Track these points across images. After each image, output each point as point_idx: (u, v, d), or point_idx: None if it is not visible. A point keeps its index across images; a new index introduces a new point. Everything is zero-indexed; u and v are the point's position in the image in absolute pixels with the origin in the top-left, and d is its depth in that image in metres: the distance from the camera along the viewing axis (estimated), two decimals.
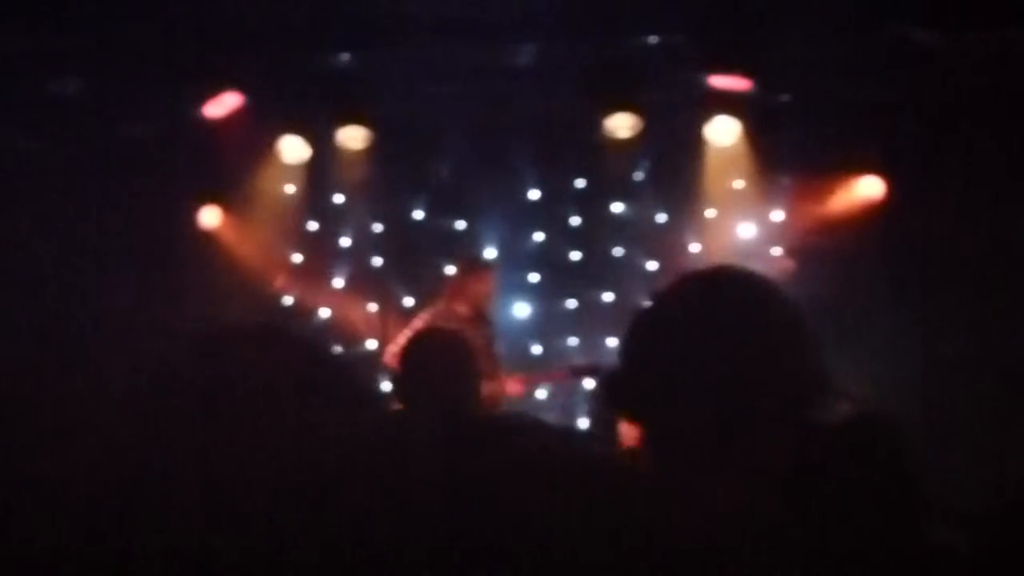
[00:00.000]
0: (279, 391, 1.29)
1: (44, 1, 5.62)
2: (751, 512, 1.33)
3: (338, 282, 7.43)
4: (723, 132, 6.92)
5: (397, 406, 3.30)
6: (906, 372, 6.01)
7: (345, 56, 6.65)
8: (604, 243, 7.45)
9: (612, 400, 1.53)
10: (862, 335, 6.04)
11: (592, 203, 7.47)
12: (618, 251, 7.45)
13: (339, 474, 1.20)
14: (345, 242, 7.48)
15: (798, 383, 1.46)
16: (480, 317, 5.88)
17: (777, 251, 7.09)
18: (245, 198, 7.24)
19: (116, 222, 6.49)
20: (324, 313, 7.35)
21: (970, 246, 6.34)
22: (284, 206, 7.36)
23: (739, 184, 7.16)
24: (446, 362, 3.25)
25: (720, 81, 6.66)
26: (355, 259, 7.47)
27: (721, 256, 6.82)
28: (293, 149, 7.12)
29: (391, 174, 7.25)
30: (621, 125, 6.91)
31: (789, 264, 6.85)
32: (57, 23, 5.69)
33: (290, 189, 7.34)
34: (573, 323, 7.47)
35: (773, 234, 7.17)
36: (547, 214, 7.50)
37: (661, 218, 7.41)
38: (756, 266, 1.84)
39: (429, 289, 6.62)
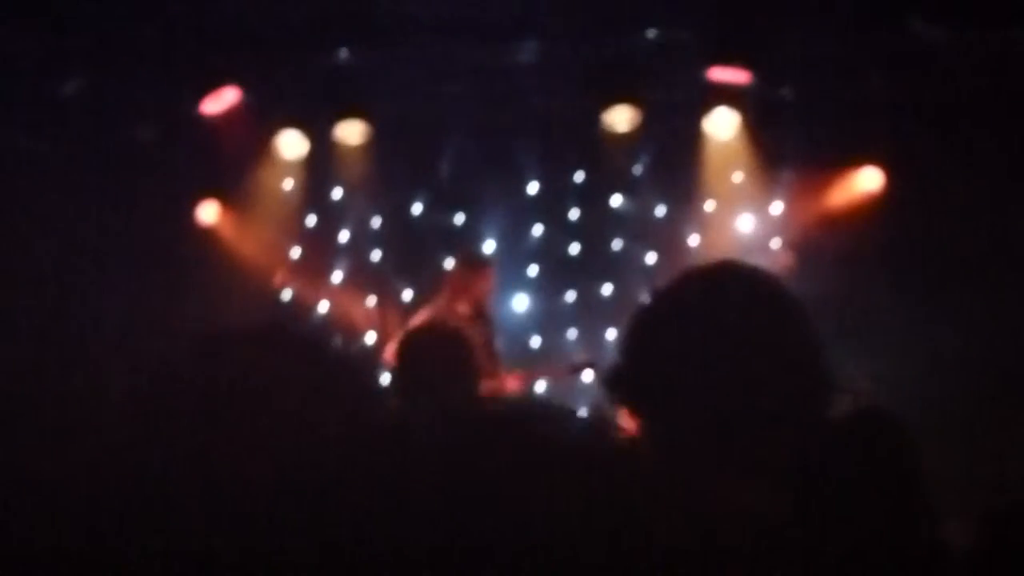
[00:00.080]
0: (279, 392, 1.29)
1: (45, 1, 5.62)
2: (751, 510, 1.33)
3: (337, 277, 7.43)
4: (723, 125, 6.92)
5: (396, 402, 3.30)
6: (906, 367, 6.01)
7: (344, 52, 6.64)
8: (603, 236, 7.45)
9: (613, 394, 1.53)
10: (862, 330, 6.04)
11: (592, 197, 7.46)
12: (617, 244, 7.45)
13: (339, 474, 1.20)
14: (344, 237, 7.48)
15: (800, 379, 1.45)
16: (479, 314, 5.87)
17: (776, 244, 7.09)
18: (244, 194, 7.24)
19: (116, 219, 6.48)
20: (323, 308, 7.35)
21: (971, 241, 6.33)
22: (283, 201, 7.35)
23: (739, 177, 7.16)
24: (444, 359, 3.25)
25: (720, 74, 6.66)
26: (354, 254, 7.46)
27: (721, 249, 6.82)
28: (292, 144, 7.12)
29: (390, 169, 7.24)
30: (621, 119, 6.92)
31: (788, 258, 6.84)
32: (57, 22, 5.69)
33: (289, 184, 7.34)
34: (573, 316, 7.47)
35: (773, 227, 7.17)
36: (547, 208, 7.50)
37: (660, 211, 7.40)
38: (755, 260, 1.84)
39: (428, 284, 6.62)
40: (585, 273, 7.46)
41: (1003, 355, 6.04)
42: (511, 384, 5.93)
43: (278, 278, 7.31)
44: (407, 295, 7.22)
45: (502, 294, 6.92)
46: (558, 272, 7.49)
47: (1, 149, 5.96)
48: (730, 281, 1.54)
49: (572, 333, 7.42)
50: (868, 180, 6.95)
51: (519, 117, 7.15)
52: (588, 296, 7.42)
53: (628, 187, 7.42)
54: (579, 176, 7.47)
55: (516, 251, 7.38)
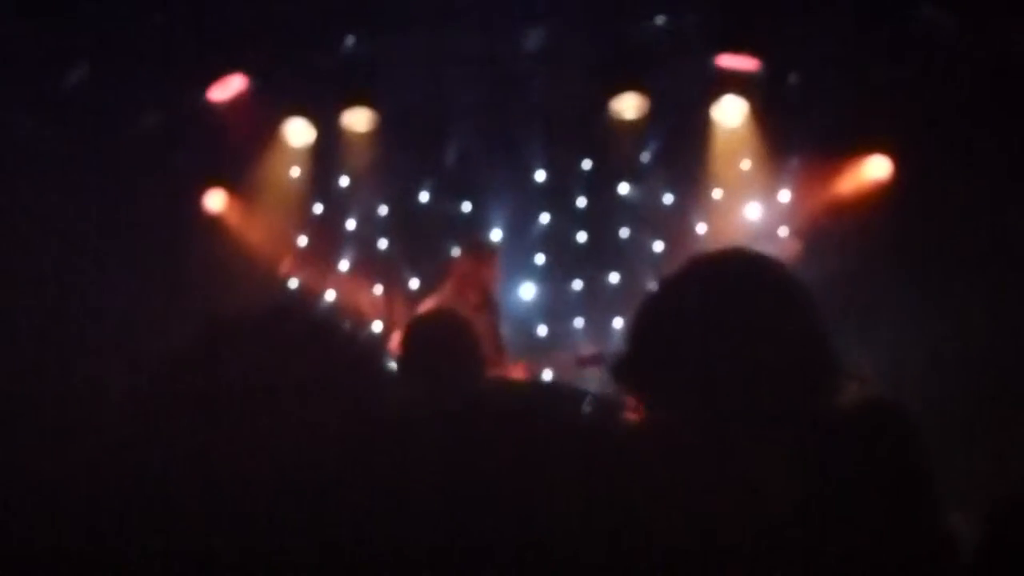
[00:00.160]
0: (283, 386, 1.29)
1: None
2: (756, 498, 1.32)
3: (344, 265, 7.42)
4: (731, 113, 6.90)
5: (400, 391, 3.30)
6: (913, 356, 5.98)
7: (351, 40, 6.63)
8: (611, 225, 7.43)
9: (619, 381, 1.52)
10: (868, 318, 6.01)
11: (599, 185, 7.44)
12: (625, 233, 7.43)
13: (340, 474, 1.20)
14: (351, 225, 7.47)
15: (807, 366, 1.44)
16: (485, 302, 5.86)
17: (784, 233, 7.07)
18: (251, 182, 7.24)
19: (121, 208, 6.47)
20: (330, 296, 7.35)
21: (980, 229, 6.30)
22: (290, 190, 7.35)
23: (746, 165, 7.13)
24: (450, 347, 3.23)
25: (728, 61, 6.63)
26: (361, 242, 7.46)
27: (728, 237, 6.80)
28: (299, 132, 7.13)
29: (397, 157, 7.23)
30: (628, 107, 6.90)
31: (796, 245, 6.82)
32: (62, 10, 5.68)
33: (295, 173, 7.34)
34: (580, 305, 7.46)
35: (780, 216, 7.14)
36: (554, 196, 7.48)
37: (668, 199, 7.38)
38: (763, 248, 1.82)
39: (435, 272, 6.61)
40: (592, 261, 7.44)
41: (1011, 342, 6.00)
42: (517, 374, 5.92)
43: (285, 266, 7.31)
44: (414, 283, 7.22)
45: (509, 283, 6.91)
46: (565, 260, 7.48)
47: (4, 139, 5.95)
48: (737, 268, 1.53)
49: (579, 322, 7.41)
50: (876, 168, 6.92)
51: (526, 105, 7.12)
52: (595, 284, 7.41)
53: (635, 175, 7.39)
54: (586, 164, 7.45)
55: (523, 239, 7.36)
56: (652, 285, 1.57)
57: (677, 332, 1.47)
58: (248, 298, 6.51)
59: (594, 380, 6.66)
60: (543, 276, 7.47)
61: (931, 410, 2.31)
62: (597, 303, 7.29)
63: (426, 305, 5.76)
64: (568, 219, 7.48)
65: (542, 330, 7.38)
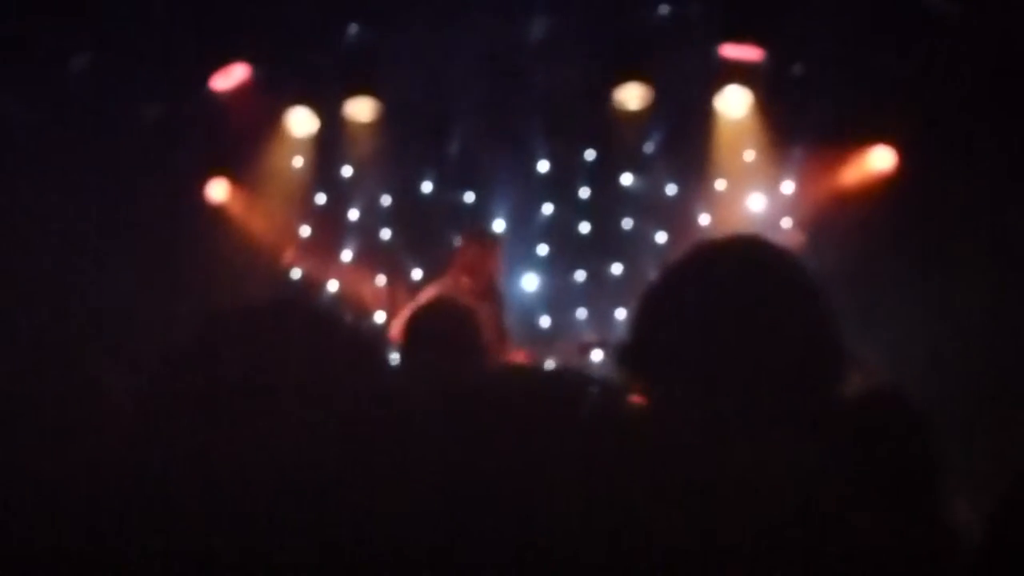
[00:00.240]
0: (283, 382, 1.28)
1: None
2: (760, 488, 1.32)
3: (347, 255, 7.42)
4: (734, 103, 6.88)
5: (401, 381, 3.29)
6: (913, 355, 5.96)
7: (354, 29, 6.61)
8: (614, 215, 7.41)
9: (623, 370, 1.51)
10: (868, 317, 6.00)
11: (602, 175, 7.43)
12: (628, 223, 7.42)
13: (340, 473, 1.20)
14: (354, 215, 7.46)
15: (812, 355, 1.43)
16: (488, 292, 5.86)
17: (788, 224, 7.05)
18: (253, 171, 7.23)
19: (124, 199, 6.47)
20: (332, 287, 7.35)
21: (985, 219, 6.28)
22: (292, 179, 7.34)
23: (750, 156, 7.11)
24: (452, 336, 3.22)
25: (732, 51, 6.61)
26: (364, 232, 7.45)
27: (731, 228, 6.77)
28: (301, 122, 7.11)
29: (400, 147, 7.22)
30: (631, 97, 6.89)
31: (799, 237, 6.80)
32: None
33: (298, 162, 7.33)
34: (582, 295, 7.45)
35: (784, 206, 7.12)
36: (557, 186, 7.46)
37: (671, 190, 7.37)
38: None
39: (438, 262, 6.60)
40: (595, 252, 7.43)
41: (1008, 348, 5.98)
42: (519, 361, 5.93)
43: (287, 257, 7.30)
44: (416, 273, 7.21)
45: (511, 273, 6.90)
46: (568, 251, 7.46)
47: (5, 127, 5.95)
48: (741, 254, 1.52)
49: (582, 312, 7.40)
50: (880, 159, 6.90)
51: (529, 95, 7.11)
52: (598, 275, 7.40)
53: (639, 165, 7.38)
54: (589, 154, 7.44)
55: (526, 230, 7.35)
56: (655, 276, 1.56)
57: (680, 318, 1.46)
58: (250, 289, 6.51)
59: (597, 366, 6.68)
60: (546, 267, 7.46)
61: (931, 410, 2.30)
62: (600, 294, 7.29)
63: (427, 293, 5.75)
64: (571, 209, 7.46)
65: (545, 321, 7.38)
